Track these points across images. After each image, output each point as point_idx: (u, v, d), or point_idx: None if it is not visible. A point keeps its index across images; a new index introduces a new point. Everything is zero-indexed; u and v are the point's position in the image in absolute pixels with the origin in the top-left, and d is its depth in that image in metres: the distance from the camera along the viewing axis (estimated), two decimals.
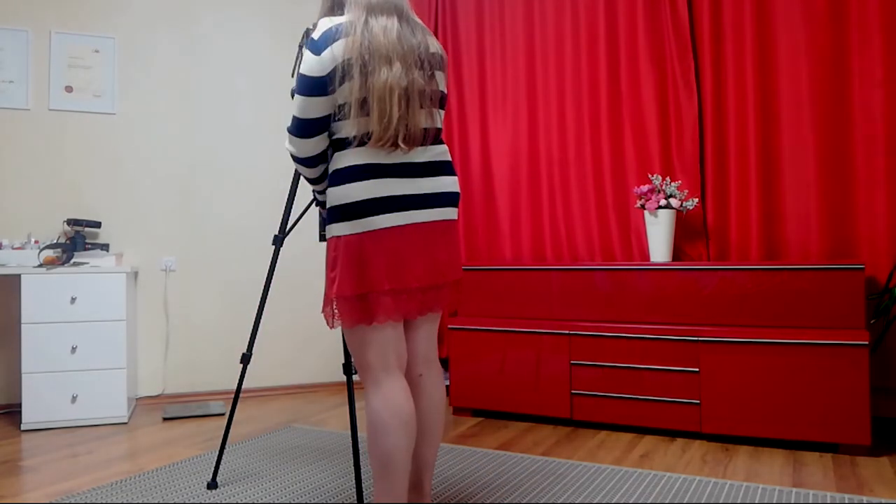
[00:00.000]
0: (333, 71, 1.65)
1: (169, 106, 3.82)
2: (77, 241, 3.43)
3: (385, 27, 1.69)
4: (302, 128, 1.71)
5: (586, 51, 3.54)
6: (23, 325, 3.10)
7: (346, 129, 1.69)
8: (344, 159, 1.70)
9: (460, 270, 1.85)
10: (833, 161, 2.97)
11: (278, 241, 2.35)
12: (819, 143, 2.98)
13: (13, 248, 3.30)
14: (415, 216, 1.71)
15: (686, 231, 3.28)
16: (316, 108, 1.69)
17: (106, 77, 3.71)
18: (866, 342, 2.49)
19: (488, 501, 2.12)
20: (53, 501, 2.18)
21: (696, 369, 2.77)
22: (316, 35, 1.69)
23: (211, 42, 3.89)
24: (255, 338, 2.33)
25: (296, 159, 1.77)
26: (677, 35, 3.28)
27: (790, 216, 3.06)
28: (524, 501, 2.12)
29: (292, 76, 2.35)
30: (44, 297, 3.14)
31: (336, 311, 1.70)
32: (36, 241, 3.40)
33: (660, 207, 3.09)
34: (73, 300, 3.18)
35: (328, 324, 1.71)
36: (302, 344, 4.02)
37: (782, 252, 3.09)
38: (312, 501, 2.15)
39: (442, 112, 1.83)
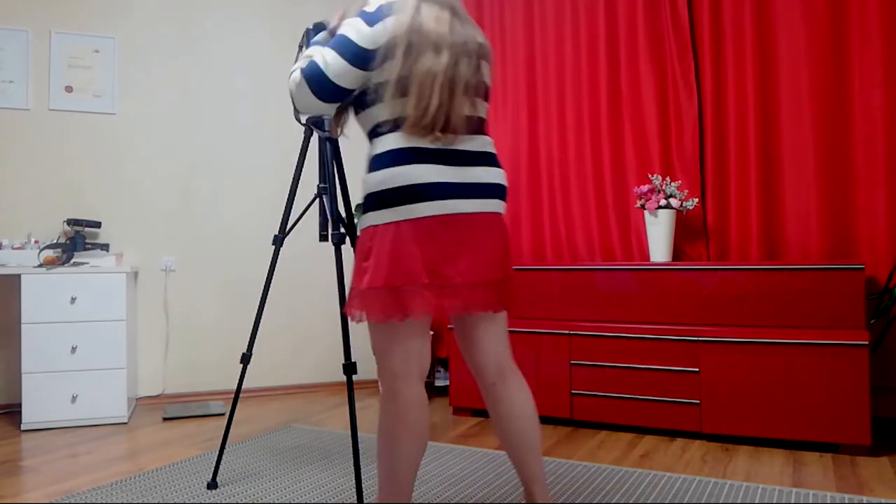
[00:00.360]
0: (380, 48, 1.60)
1: (169, 106, 3.82)
2: (77, 241, 3.43)
3: (437, 16, 1.64)
4: (328, 91, 1.64)
5: (586, 51, 3.54)
6: (23, 325, 3.10)
7: (381, 112, 1.63)
8: (383, 143, 1.62)
9: (510, 266, 1.75)
10: (833, 161, 2.97)
11: (278, 241, 2.35)
12: (819, 142, 2.98)
13: (13, 248, 3.30)
14: (459, 206, 1.60)
15: (686, 231, 3.28)
16: (352, 79, 1.63)
17: (106, 77, 3.71)
18: (866, 342, 2.49)
19: (488, 501, 2.12)
20: (53, 501, 2.18)
21: (696, 369, 2.77)
22: (369, 8, 1.64)
23: (211, 42, 3.89)
24: (255, 338, 2.33)
25: (297, 104, 1.69)
26: (677, 35, 3.28)
27: (790, 216, 3.06)
28: (524, 501, 2.12)
29: None
30: (44, 297, 3.14)
31: (359, 303, 1.60)
32: (36, 241, 3.40)
33: (660, 207, 3.09)
34: (73, 300, 3.18)
35: (352, 318, 1.61)
36: (302, 344, 4.02)
37: (782, 252, 3.09)
38: (312, 501, 2.15)
39: (485, 103, 1.77)
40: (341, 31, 1.64)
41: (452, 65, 1.61)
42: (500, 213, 1.72)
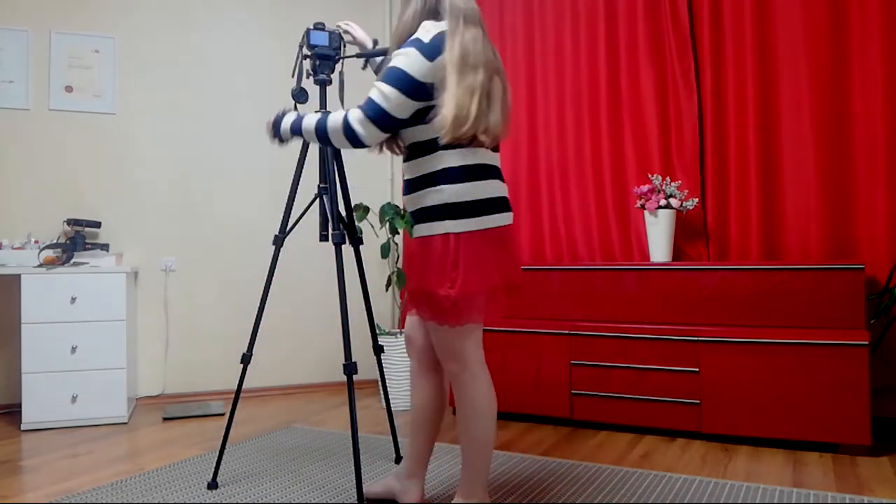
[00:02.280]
0: (437, 80, 1.72)
1: (169, 106, 3.82)
2: (77, 241, 3.43)
3: (474, 37, 1.76)
4: (388, 122, 1.74)
5: (586, 50, 3.54)
6: (23, 325, 3.10)
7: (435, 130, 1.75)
8: (452, 158, 1.77)
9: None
10: (833, 161, 2.97)
11: (278, 241, 2.35)
12: (819, 142, 2.98)
13: (13, 248, 3.30)
14: (506, 218, 1.84)
15: (686, 231, 3.28)
16: (409, 109, 1.74)
17: (106, 77, 3.71)
18: (866, 342, 2.49)
19: (488, 501, 2.12)
20: (53, 501, 2.18)
21: (696, 369, 2.77)
22: (426, 38, 1.73)
23: (211, 42, 3.89)
24: (255, 338, 2.33)
25: (356, 143, 1.79)
26: (677, 35, 3.28)
27: (790, 216, 3.06)
28: (524, 501, 2.12)
29: (292, 76, 2.35)
30: (44, 297, 3.14)
31: (454, 308, 1.74)
32: (36, 241, 3.40)
33: (660, 207, 3.09)
34: (73, 300, 3.18)
35: (453, 324, 1.78)
36: (302, 344, 4.02)
37: (782, 252, 3.08)
38: (312, 501, 2.15)
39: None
40: (397, 63, 1.72)
41: (488, 80, 1.76)
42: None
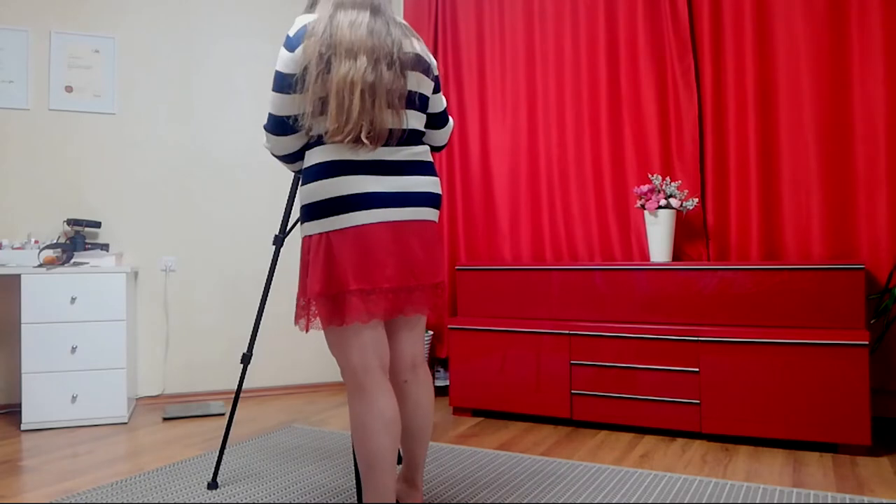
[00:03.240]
0: (303, 70, 1.65)
1: (169, 106, 3.82)
2: (77, 241, 3.43)
3: (353, 21, 1.66)
4: (276, 125, 1.72)
5: (586, 50, 3.54)
6: (23, 325, 3.10)
7: (314, 128, 1.70)
8: (312, 157, 1.71)
9: (441, 273, 1.81)
10: (833, 161, 2.97)
11: (278, 240, 2.35)
12: (819, 142, 2.98)
13: (13, 248, 3.30)
14: (384, 214, 1.66)
15: (686, 231, 3.28)
16: (288, 105, 1.69)
17: (106, 77, 3.71)
18: (866, 342, 2.49)
19: (488, 501, 2.12)
20: (53, 501, 2.18)
21: (696, 369, 2.77)
22: (291, 32, 1.70)
23: (211, 42, 3.89)
24: (255, 338, 2.33)
25: (275, 156, 1.80)
26: (677, 35, 3.28)
27: (790, 216, 3.06)
28: (524, 501, 2.12)
29: None
30: (44, 297, 3.14)
31: (301, 311, 1.69)
32: (36, 241, 3.40)
33: (660, 207, 3.09)
34: (73, 300, 3.18)
35: (302, 328, 1.69)
36: (302, 344, 4.02)
37: (782, 252, 3.09)
38: (312, 501, 2.15)
39: (417, 113, 1.79)
40: (276, 66, 1.73)
41: (372, 70, 1.64)
42: (430, 221, 1.78)
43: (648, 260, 3.28)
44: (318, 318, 1.67)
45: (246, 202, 3.94)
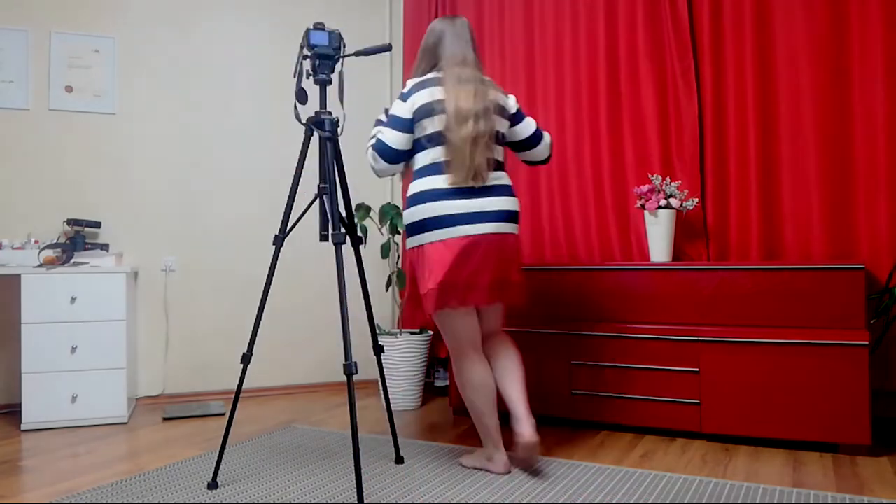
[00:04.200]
0: (415, 114, 2.34)
1: (169, 106, 3.82)
2: (77, 241, 3.43)
3: (467, 93, 2.31)
4: (392, 156, 2.35)
5: (586, 50, 3.54)
6: (23, 325, 3.10)
7: (422, 158, 2.35)
8: (423, 183, 2.32)
9: (516, 273, 2.40)
10: (833, 160, 2.97)
11: (278, 240, 2.35)
12: (819, 142, 2.98)
13: (13, 248, 3.30)
14: (475, 229, 2.28)
15: (686, 231, 3.28)
16: (405, 141, 2.35)
17: (106, 77, 3.71)
18: (866, 342, 2.49)
19: (488, 501, 2.12)
20: (53, 501, 2.18)
21: (696, 369, 2.77)
22: (405, 89, 2.39)
23: (211, 42, 3.89)
24: (255, 338, 2.33)
25: (377, 172, 2.41)
26: (677, 35, 3.28)
27: (790, 216, 3.06)
28: (524, 501, 2.12)
29: (294, 76, 2.35)
30: (44, 297, 3.14)
31: (436, 298, 2.26)
32: (36, 241, 3.40)
33: (660, 207, 3.09)
34: (73, 300, 3.18)
35: (430, 313, 2.33)
36: (302, 344, 4.02)
37: (782, 252, 3.09)
38: (312, 501, 2.15)
39: (499, 147, 2.41)
40: (391, 111, 2.37)
41: (476, 126, 2.28)
42: (508, 233, 2.36)
43: (648, 260, 3.28)
44: (438, 302, 2.28)
45: (246, 202, 3.94)
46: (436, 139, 2.29)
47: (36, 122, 3.61)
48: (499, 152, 2.40)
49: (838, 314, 2.61)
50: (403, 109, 2.33)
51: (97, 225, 3.55)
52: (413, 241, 2.35)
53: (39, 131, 3.62)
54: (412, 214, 2.33)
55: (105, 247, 3.56)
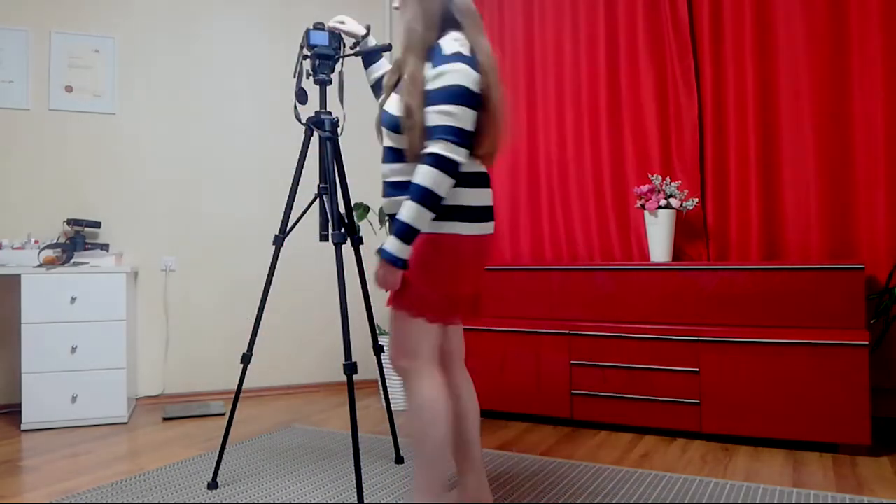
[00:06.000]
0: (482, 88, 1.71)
1: (169, 106, 3.82)
2: (77, 241, 3.43)
3: (488, 48, 1.76)
4: (469, 138, 1.69)
5: (586, 50, 3.54)
6: (23, 325, 3.10)
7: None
8: (469, 165, 1.77)
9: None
10: (833, 161, 2.97)
11: (278, 240, 2.35)
12: (819, 142, 2.98)
13: (13, 248, 3.30)
14: (489, 227, 1.82)
15: (686, 231, 3.28)
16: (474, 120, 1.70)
17: (106, 77, 3.71)
18: (866, 342, 2.49)
19: (488, 501, 2.12)
20: (53, 501, 2.18)
21: (696, 369, 2.77)
22: (466, 51, 1.69)
23: (210, 42, 3.89)
24: (255, 338, 2.33)
25: (454, 171, 1.67)
26: (677, 35, 3.28)
27: (790, 216, 3.06)
28: (524, 501, 2.12)
29: (294, 76, 2.35)
30: (44, 297, 3.14)
31: (419, 300, 1.75)
32: (36, 241, 3.40)
33: (660, 207, 3.09)
34: (73, 300, 3.18)
35: (412, 314, 1.76)
36: (302, 344, 4.02)
37: (782, 252, 3.09)
38: (312, 501, 2.15)
39: None
40: (454, 80, 1.65)
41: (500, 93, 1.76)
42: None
43: (648, 260, 3.28)
44: (425, 314, 1.76)
45: (246, 202, 3.94)
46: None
47: (36, 122, 3.61)
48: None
49: (838, 314, 2.61)
50: (477, 82, 1.70)
51: (97, 225, 3.55)
52: (438, 227, 1.75)
53: (39, 131, 3.62)
54: (453, 195, 1.75)
55: (105, 247, 3.56)
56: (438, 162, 1.62)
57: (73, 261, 3.33)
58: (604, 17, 3.48)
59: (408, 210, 1.63)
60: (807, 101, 3.01)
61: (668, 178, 3.19)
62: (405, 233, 1.65)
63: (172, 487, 2.30)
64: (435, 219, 1.73)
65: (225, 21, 3.92)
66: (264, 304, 2.33)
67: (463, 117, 1.65)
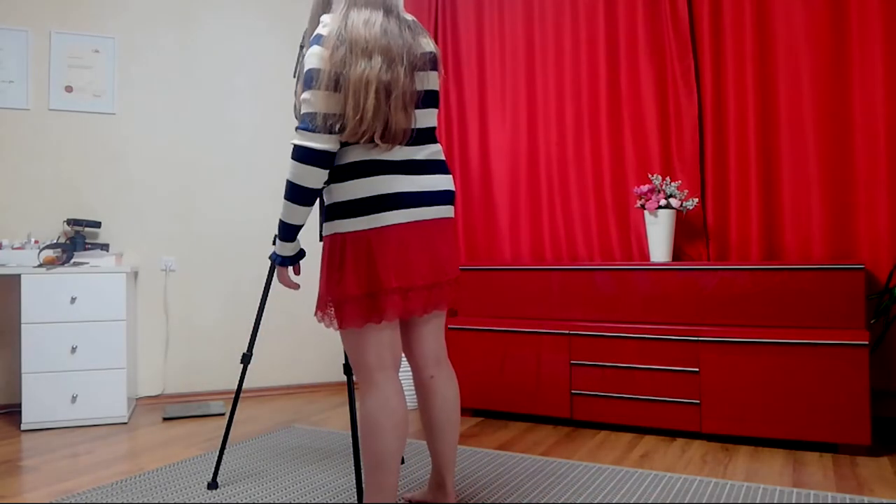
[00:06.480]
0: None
1: (169, 106, 3.82)
2: (77, 241, 3.43)
3: (367, 20, 1.66)
4: (325, 122, 1.64)
5: (586, 50, 3.54)
6: (23, 325, 3.10)
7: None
8: (347, 155, 1.70)
9: (458, 269, 1.86)
10: (833, 160, 2.97)
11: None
12: (819, 142, 2.98)
13: (13, 248, 3.30)
14: (417, 213, 1.71)
15: (686, 231, 3.28)
16: (338, 102, 1.65)
17: (106, 77, 3.71)
18: (866, 342, 2.49)
19: (488, 501, 2.12)
20: (53, 501, 2.18)
21: (696, 369, 2.77)
22: (325, 31, 1.67)
23: (210, 41, 3.89)
24: (255, 338, 2.33)
25: (314, 157, 1.64)
26: (677, 35, 3.28)
27: (790, 216, 3.06)
28: (524, 501, 2.12)
29: (294, 76, 2.35)
30: (44, 297, 3.14)
31: (335, 311, 1.69)
32: (36, 241, 3.40)
33: (660, 207, 3.09)
34: (73, 300, 3.18)
35: (327, 325, 1.70)
36: (302, 344, 4.02)
37: (782, 252, 3.08)
38: (312, 501, 2.15)
39: (429, 111, 1.81)
40: (306, 65, 1.65)
41: (387, 71, 1.64)
42: (451, 218, 1.83)
43: (648, 260, 3.28)
44: (345, 318, 1.68)
45: (246, 202, 3.94)
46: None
47: (36, 122, 3.61)
48: (432, 118, 1.84)
49: (838, 314, 2.61)
50: (323, 59, 1.66)
51: (97, 225, 3.55)
52: (336, 226, 1.74)
53: (39, 131, 3.62)
54: (340, 191, 1.73)
55: (105, 247, 3.56)
56: (294, 152, 1.63)
57: (73, 261, 3.33)
58: (604, 17, 3.48)
59: (282, 214, 1.70)
60: (807, 101, 3.01)
61: (668, 178, 3.19)
62: (279, 229, 1.73)
63: (172, 487, 2.30)
64: (324, 221, 1.74)
65: (225, 21, 3.92)
66: (264, 304, 2.33)
67: (315, 102, 1.61)
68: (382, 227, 1.67)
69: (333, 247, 1.71)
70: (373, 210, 1.66)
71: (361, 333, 1.71)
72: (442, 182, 1.80)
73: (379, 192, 1.67)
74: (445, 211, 1.80)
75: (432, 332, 1.87)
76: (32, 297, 3.13)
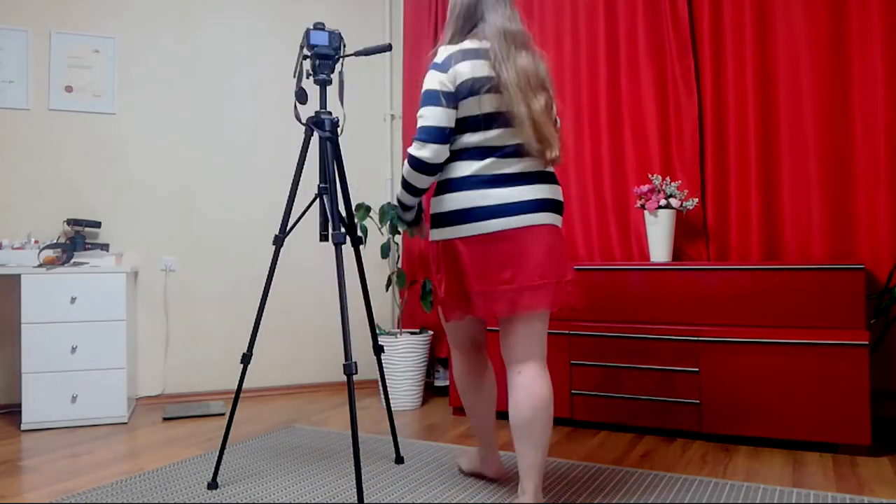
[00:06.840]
0: (458, 89, 1.89)
1: (169, 106, 3.82)
2: (77, 241, 3.43)
3: (527, 62, 1.91)
4: (440, 135, 1.90)
5: (586, 50, 3.54)
6: (23, 325, 3.10)
7: (461, 141, 1.93)
8: (454, 170, 1.93)
9: (564, 271, 1.93)
10: (833, 160, 2.97)
11: (279, 241, 2.35)
12: (819, 142, 2.98)
13: (13, 248, 3.30)
14: (508, 223, 1.89)
15: (686, 231, 3.28)
16: (449, 118, 1.90)
17: (106, 77, 3.71)
18: (866, 342, 2.49)
19: (489, 501, 2.12)
20: (53, 501, 2.18)
21: (696, 369, 2.77)
22: (438, 59, 1.93)
23: (210, 41, 3.89)
24: (255, 338, 2.33)
25: (424, 166, 1.92)
26: (677, 34, 3.28)
27: (790, 216, 3.06)
28: (524, 501, 2.11)
29: (294, 76, 2.35)
30: (44, 297, 3.14)
31: (444, 308, 2.00)
32: (36, 241, 3.40)
33: (660, 207, 3.09)
34: (73, 300, 3.18)
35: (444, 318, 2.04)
36: (302, 344, 4.02)
37: (782, 252, 3.08)
38: (312, 501, 2.15)
39: None
40: (424, 87, 1.93)
41: (545, 103, 1.97)
42: (550, 225, 1.93)
43: (648, 260, 3.28)
44: (445, 314, 2.02)
45: (246, 202, 3.94)
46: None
47: (36, 122, 3.61)
48: None
49: (838, 314, 2.61)
50: (443, 81, 1.90)
51: (97, 225, 3.55)
52: (435, 234, 2.00)
53: (39, 131, 3.62)
54: (440, 203, 1.95)
55: (105, 247, 3.56)
56: (408, 158, 1.95)
57: (73, 261, 3.33)
58: (604, 17, 3.48)
59: (399, 190, 2.07)
60: (807, 101, 3.01)
61: (668, 178, 3.19)
62: (398, 204, 2.14)
63: (172, 487, 2.30)
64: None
65: (225, 21, 3.92)
66: (264, 304, 2.33)
67: (430, 117, 1.89)
68: (465, 237, 1.91)
69: (432, 252, 2.04)
70: (458, 221, 1.92)
71: (449, 323, 2.16)
72: (536, 192, 1.93)
73: (462, 206, 1.92)
74: (540, 218, 1.92)
75: (516, 332, 1.96)
76: (32, 297, 3.12)
